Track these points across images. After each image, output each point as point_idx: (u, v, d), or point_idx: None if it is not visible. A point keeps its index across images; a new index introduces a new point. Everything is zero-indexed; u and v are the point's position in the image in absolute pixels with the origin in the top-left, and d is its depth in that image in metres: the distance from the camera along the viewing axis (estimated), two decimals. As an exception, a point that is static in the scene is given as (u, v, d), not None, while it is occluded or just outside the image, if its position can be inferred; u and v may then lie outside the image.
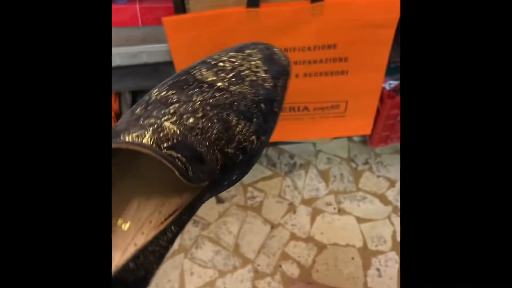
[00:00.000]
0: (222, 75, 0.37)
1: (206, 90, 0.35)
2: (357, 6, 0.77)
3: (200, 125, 0.33)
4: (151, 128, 0.30)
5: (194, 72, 0.37)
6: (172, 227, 0.32)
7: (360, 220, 1.17)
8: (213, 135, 0.33)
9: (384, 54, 0.86)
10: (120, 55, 0.83)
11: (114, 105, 1.06)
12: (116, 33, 0.84)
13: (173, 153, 0.29)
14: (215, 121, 0.34)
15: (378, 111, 1.04)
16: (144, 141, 0.29)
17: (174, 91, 0.35)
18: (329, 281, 1.08)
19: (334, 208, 1.20)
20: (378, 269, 1.09)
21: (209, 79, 0.36)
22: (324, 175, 1.26)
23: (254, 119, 0.37)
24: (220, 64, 0.38)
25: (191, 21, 0.75)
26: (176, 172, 0.29)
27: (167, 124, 0.31)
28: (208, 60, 0.38)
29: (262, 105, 0.37)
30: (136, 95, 1.12)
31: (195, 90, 0.35)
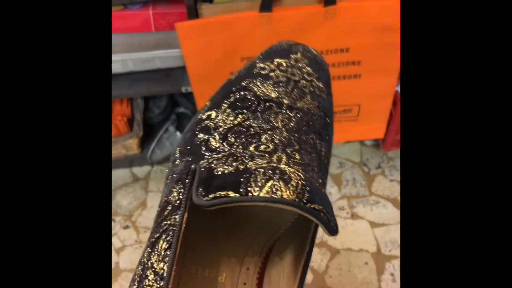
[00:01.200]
0: (282, 89, 0.33)
1: (278, 110, 0.32)
2: (370, 9, 0.76)
3: (306, 160, 0.29)
4: (277, 177, 0.26)
5: (250, 86, 0.34)
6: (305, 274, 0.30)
7: (373, 224, 1.16)
8: (317, 168, 0.30)
9: (397, 57, 0.85)
10: (133, 60, 0.84)
11: (127, 111, 1.07)
12: (128, 39, 0.84)
13: (316, 206, 0.25)
14: (310, 150, 0.31)
15: (391, 114, 1.03)
16: (284, 195, 0.25)
17: (244, 115, 0.32)
18: (343, 286, 1.07)
19: (347, 213, 1.19)
20: (392, 274, 1.08)
21: (273, 96, 0.33)
22: (337, 180, 1.26)
23: (326, 137, 0.34)
24: (272, 74, 0.34)
25: (204, 26, 0.75)
26: (323, 228, 0.26)
27: (285, 168, 0.27)
28: (255, 70, 0.35)
29: (327, 119, 0.35)
30: (148, 100, 1.13)
31: (268, 112, 0.32)
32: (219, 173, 0.27)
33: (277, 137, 0.30)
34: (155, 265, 0.27)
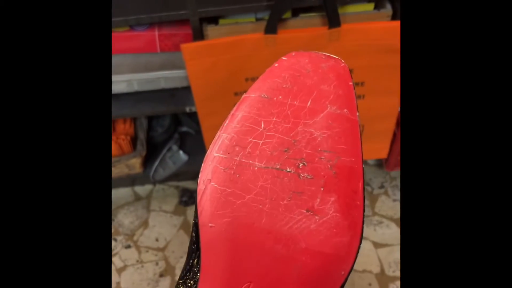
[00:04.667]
0: None
1: None
2: (373, 32, 0.77)
3: None
4: None
5: None
6: None
7: (376, 245, 1.15)
8: None
9: (400, 78, 0.86)
10: (138, 81, 0.84)
11: (130, 130, 1.07)
12: (134, 59, 0.85)
13: None
14: None
15: (394, 134, 1.03)
16: None
17: None
18: (347, 308, 1.05)
19: (350, 233, 1.18)
20: (396, 296, 1.07)
21: None
22: (339, 199, 1.25)
23: None
24: None
25: (209, 48, 0.76)
26: None
27: None
28: None
29: None
30: (152, 119, 1.13)
31: None
32: None
33: None
34: None
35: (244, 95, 0.32)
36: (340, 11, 0.76)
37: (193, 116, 1.11)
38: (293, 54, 0.33)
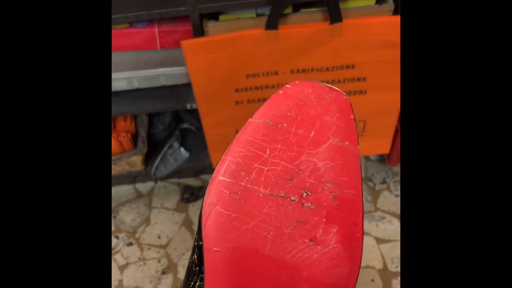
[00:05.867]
0: None
1: None
2: (375, 27, 0.76)
3: None
4: None
5: None
6: None
7: (379, 240, 1.15)
8: None
9: (402, 73, 0.85)
10: (138, 78, 0.84)
11: (131, 127, 1.06)
12: (134, 56, 0.84)
13: None
14: None
15: (396, 130, 1.03)
16: None
17: None
18: (349, 304, 1.05)
19: (352, 229, 1.18)
20: (399, 292, 1.07)
21: None
22: (341, 195, 1.25)
23: None
24: None
25: (210, 44, 0.75)
26: None
27: None
28: None
29: None
30: (153, 116, 1.12)
31: None
32: None
33: None
34: None
35: (249, 119, 0.33)
36: (342, 6, 0.75)
37: (194, 112, 1.11)
38: (297, 83, 0.34)
